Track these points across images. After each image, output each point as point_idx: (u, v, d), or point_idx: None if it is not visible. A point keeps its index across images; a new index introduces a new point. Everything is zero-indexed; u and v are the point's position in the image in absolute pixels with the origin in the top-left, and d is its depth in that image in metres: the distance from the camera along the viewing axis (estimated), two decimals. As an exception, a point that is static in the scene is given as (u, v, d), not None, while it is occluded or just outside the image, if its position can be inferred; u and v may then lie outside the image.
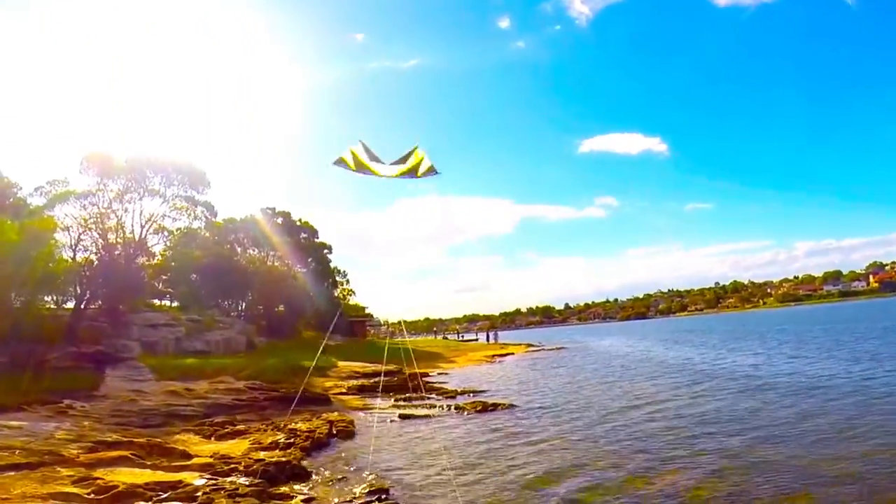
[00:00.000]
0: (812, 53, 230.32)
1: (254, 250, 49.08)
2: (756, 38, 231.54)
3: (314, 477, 10.48)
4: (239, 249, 48.09)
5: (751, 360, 26.99)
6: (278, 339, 38.14)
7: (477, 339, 78.54)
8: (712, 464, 9.98)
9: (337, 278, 59.04)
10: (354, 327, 55.65)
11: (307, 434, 13.54)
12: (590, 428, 13.99)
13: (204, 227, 37.89)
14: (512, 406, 18.09)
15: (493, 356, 45.85)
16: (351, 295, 63.66)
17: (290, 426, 14.70)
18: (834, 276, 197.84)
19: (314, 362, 19.74)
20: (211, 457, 11.38)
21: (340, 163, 12.38)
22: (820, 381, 18.28)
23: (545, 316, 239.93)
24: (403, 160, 12.35)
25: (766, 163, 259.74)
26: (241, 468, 10.36)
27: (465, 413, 17.54)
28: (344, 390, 23.21)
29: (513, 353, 49.38)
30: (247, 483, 9.42)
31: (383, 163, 12.45)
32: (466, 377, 30.40)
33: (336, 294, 58.76)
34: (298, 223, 54.58)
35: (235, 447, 12.60)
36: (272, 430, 14.48)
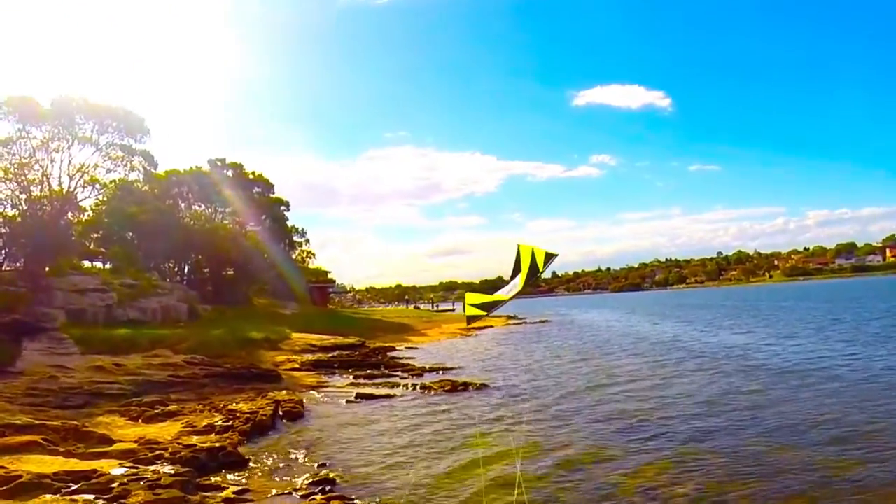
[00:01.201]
0: (832, 3, 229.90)
1: (200, 206, 48.21)
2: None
3: (251, 465, 10.38)
4: (183, 205, 47.28)
5: (742, 340, 27.78)
6: (226, 306, 37.73)
7: (454, 310, 78.95)
8: (677, 449, 10.31)
9: (295, 238, 58.56)
10: (314, 294, 55.40)
11: (248, 416, 13.41)
12: (558, 408, 14.25)
13: (142, 179, 37.30)
14: (483, 386, 18.21)
15: (470, 329, 46.11)
16: (311, 257, 63.31)
17: (229, 407, 14.60)
18: (847, 249, 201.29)
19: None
20: (135, 442, 11.23)
21: (473, 319, 13.01)
22: (810, 366, 18.74)
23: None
24: (517, 268, 12.85)
25: (780, 123, 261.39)
26: (168, 455, 10.21)
27: (432, 393, 17.61)
28: (297, 366, 23.18)
29: (492, 326, 49.88)
30: (172, 472, 9.26)
31: (502, 286, 13.00)
32: (437, 352, 30.53)
33: (294, 256, 58.42)
34: (252, 176, 53.56)
35: (165, 431, 12.45)
36: (209, 410, 14.35)
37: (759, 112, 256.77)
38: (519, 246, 12.44)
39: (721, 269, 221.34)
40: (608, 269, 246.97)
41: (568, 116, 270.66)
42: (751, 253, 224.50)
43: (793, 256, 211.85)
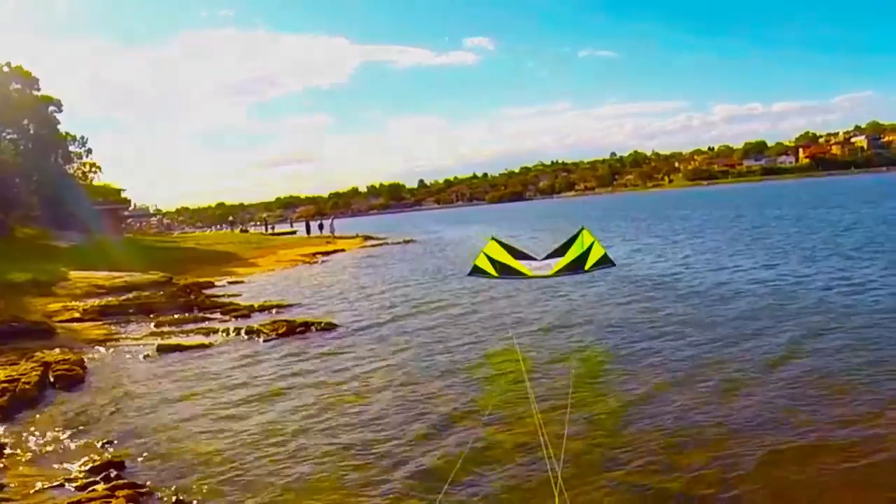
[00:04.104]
0: None
1: (-67, 110, 45.46)
2: None
3: (8, 451, 9.72)
4: None
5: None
6: (-24, 241, 35.12)
7: (295, 232, 78.07)
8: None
9: (72, 149, 56.41)
10: (102, 219, 53.03)
11: (5, 386, 12.54)
12: (412, 353, 14.51)
13: None
14: (330, 325, 18.17)
15: (315, 254, 46.01)
16: (96, 172, 61.29)
17: (-22, 376, 13.57)
18: (757, 149, 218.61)
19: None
20: None
21: (478, 272, 11.79)
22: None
23: (392, 197, 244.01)
24: (563, 250, 11.97)
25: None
26: None
27: (261, 338, 17.36)
28: (77, 315, 21.98)
29: (343, 250, 50.26)
30: None
31: (533, 258, 11.98)
32: (272, 286, 30.22)
33: (72, 171, 56.10)
34: (7, 69, 51.43)
35: None
36: (-51, 384, 13.27)
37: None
38: (583, 230, 12.37)
39: (615, 172, 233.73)
40: (485, 174, 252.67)
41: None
42: (648, 154, 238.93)
43: (696, 157, 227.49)
